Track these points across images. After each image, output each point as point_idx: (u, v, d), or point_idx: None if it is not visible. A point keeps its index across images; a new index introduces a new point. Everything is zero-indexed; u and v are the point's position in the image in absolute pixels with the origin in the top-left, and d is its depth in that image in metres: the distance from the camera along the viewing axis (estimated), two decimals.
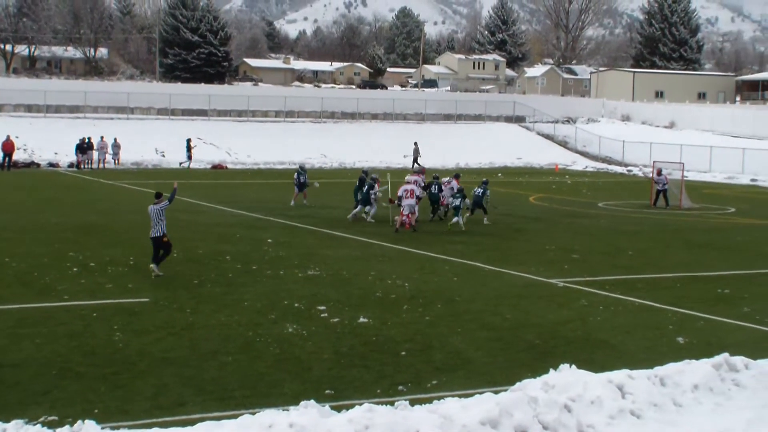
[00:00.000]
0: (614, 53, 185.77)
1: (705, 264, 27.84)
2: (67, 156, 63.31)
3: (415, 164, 67.74)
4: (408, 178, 35.13)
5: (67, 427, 11.50)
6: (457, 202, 34.75)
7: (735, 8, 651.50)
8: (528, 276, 24.72)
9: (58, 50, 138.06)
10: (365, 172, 38.19)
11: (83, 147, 61.63)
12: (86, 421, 11.69)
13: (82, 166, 61.38)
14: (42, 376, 14.56)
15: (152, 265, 23.40)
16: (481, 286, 23.13)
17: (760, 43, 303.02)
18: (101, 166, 62.30)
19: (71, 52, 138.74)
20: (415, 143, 71.16)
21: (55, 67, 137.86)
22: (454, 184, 36.30)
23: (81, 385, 14.13)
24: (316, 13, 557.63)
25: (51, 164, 62.35)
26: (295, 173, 42.10)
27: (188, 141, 66.32)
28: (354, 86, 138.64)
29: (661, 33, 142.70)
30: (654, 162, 49.59)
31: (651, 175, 51.01)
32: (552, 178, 65.11)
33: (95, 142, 62.61)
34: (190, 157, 65.70)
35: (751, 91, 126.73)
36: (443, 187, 36.57)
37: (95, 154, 62.31)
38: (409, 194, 33.27)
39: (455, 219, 34.35)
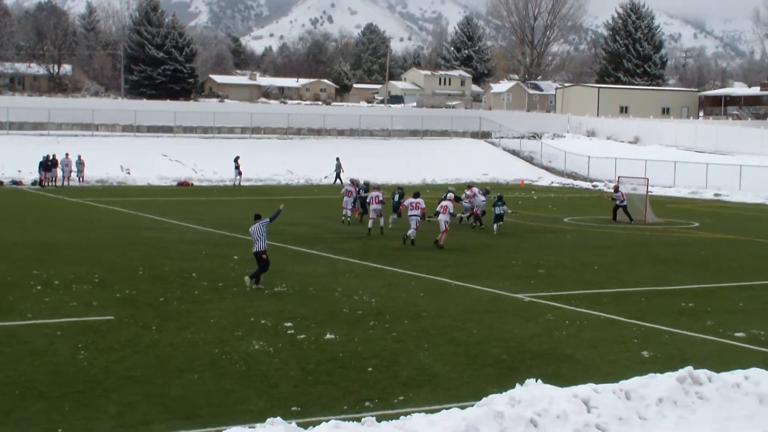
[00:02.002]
0: (579, 69, 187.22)
1: (669, 278, 28.02)
2: (30, 173, 62.85)
3: (338, 180, 68.33)
4: (448, 195, 35.64)
5: None
6: (499, 210, 38.18)
7: (698, 24, 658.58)
8: (494, 291, 24.78)
9: (21, 67, 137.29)
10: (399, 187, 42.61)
11: (47, 164, 61.22)
12: None
13: (45, 184, 60.98)
14: (5, 396, 14.42)
15: (246, 278, 24.44)
16: (447, 301, 23.17)
17: (723, 59, 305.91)
18: (65, 183, 61.91)
19: (35, 68, 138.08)
20: (337, 158, 71.16)
21: (18, 84, 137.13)
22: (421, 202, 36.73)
23: (45, 405, 14.01)
24: (282, 30, 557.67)
25: (14, 182, 61.87)
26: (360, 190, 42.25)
27: (236, 159, 67.13)
28: (320, 102, 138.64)
29: (626, 49, 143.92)
30: (619, 177, 49.94)
31: (609, 192, 52.04)
32: (518, 193, 65.33)
33: (59, 159, 62.25)
34: (239, 174, 66.72)
35: (714, 107, 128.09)
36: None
37: (59, 172, 61.91)
38: (443, 210, 33.67)
39: (499, 224, 38.03)
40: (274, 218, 25.00)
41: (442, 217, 33.39)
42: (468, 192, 41.28)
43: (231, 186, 66.01)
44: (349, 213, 41.09)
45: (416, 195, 35.09)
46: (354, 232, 37.71)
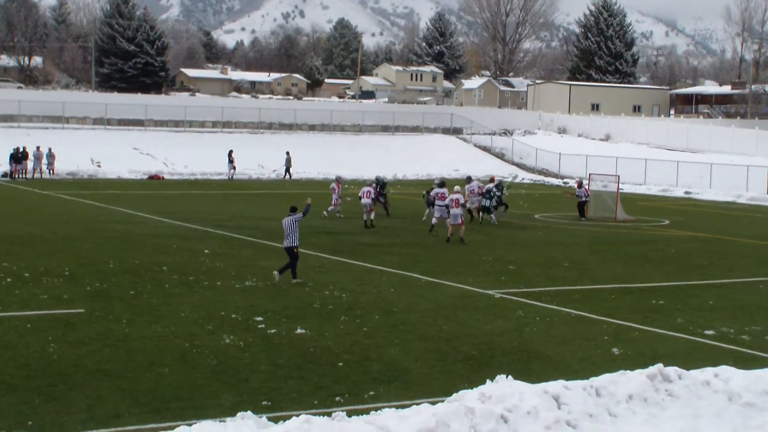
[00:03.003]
0: (551, 66, 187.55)
1: (640, 275, 28.15)
2: (0, 166, 62.38)
3: (287, 174, 68.52)
4: (456, 188, 35.67)
5: None
6: (487, 203, 40.29)
7: (669, 23, 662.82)
8: (465, 287, 24.82)
9: None
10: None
11: (18, 156, 60.78)
12: None
13: (16, 176, 60.57)
14: None
15: (275, 272, 24.63)
16: (418, 297, 23.19)
17: (694, 58, 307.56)
18: (36, 176, 61.51)
19: (5, 60, 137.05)
20: (287, 153, 71.04)
21: None
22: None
23: (14, 398, 13.92)
24: (254, 24, 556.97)
25: None
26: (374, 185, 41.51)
27: (230, 153, 67.65)
28: (292, 97, 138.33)
29: (597, 46, 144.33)
30: (590, 174, 50.13)
31: (571, 188, 52.81)
32: None
33: (30, 151, 61.80)
34: (233, 168, 67.23)
35: (685, 105, 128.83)
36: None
37: (30, 164, 61.48)
38: (454, 204, 33.90)
39: (491, 216, 40.42)
40: (306, 213, 25.33)
41: (455, 211, 33.57)
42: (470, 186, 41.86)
43: (224, 180, 66.47)
44: (332, 207, 41.37)
45: (441, 185, 36.76)
46: (324, 227, 37.67)
